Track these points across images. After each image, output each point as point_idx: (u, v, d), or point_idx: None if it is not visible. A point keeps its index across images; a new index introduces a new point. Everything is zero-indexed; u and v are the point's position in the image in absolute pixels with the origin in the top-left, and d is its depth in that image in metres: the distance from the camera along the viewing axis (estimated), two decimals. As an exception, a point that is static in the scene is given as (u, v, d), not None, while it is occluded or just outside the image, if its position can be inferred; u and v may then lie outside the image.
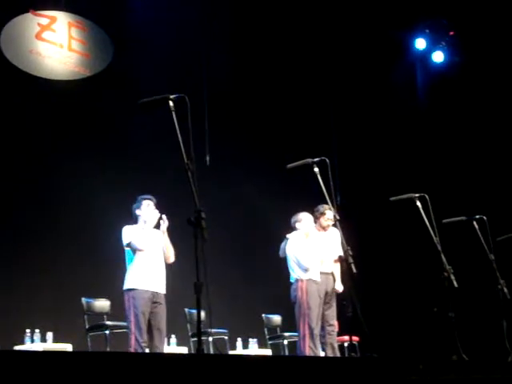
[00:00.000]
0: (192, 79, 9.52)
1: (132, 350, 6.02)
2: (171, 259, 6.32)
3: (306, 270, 6.85)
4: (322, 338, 6.97)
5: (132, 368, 3.00)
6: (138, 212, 6.31)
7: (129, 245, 6.18)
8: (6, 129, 8.46)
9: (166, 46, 9.71)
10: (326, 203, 5.33)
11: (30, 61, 9.02)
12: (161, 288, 6.24)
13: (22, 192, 8.41)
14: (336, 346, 7.08)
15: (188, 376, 3.15)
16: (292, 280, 6.95)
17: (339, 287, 7.12)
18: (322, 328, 6.96)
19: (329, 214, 7.02)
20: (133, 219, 6.34)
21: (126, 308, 6.14)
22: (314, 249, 6.93)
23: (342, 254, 6.50)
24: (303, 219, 7.00)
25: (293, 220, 7.06)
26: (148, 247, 6.20)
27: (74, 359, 2.94)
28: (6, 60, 8.78)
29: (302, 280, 6.85)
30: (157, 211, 6.26)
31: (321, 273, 6.99)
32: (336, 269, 7.16)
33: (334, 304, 7.09)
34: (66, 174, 8.63)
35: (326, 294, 7.02)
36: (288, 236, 7.07)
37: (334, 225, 5.31)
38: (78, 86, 9.25)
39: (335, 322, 7.10)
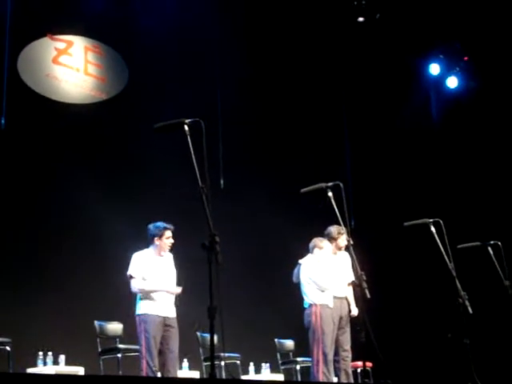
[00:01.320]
0: (206, 102, 9.57)
1: (144, 374, 6.00)
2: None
3: (323, 291, 6.80)
4: (336, 363, 6.91)
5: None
6: (156, 240, 6.24)
7: (130, 276, 6.20)
8: (22, 151, 8.52)
9: (181, 68, 9.78)
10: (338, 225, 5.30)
11: (46, 84, 9.12)
12: (171, 312, 6.25)
13: (35, 216, 8.43)
14: (350, 371, 7.01)
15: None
16: (306, 305, 6.91)
17: (354, 311, 7.07)
18: (336, 353, 6.90)
19: (345, 236, 7.00)
20: (147, 241, 6.32)
21: (137, 332, 6.14)
22: (330, 271, 6.90)
23: (353, 278, 6.48)
24: (325, 247, 6.96)
25: (312, 245, 7.01)
26: (154, 277, 6.20)
27: (87, 383, 2.93)
28: (23, 83, 8.88)
29: (315, 305, 6.81)
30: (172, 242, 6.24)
31: (334, 297, 6.95)
32: (349, 293, 7.12)
33: (348, 329, 7.03)
34: (80, 197, 8.66)
35: (341, 318, 6.97)
36: (300, 261, 7.04)
37: (347, 249, 5.28)
38: (94, 109, 9.34)
39: (349, 348, 7.04)
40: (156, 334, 6.03)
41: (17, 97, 8.65)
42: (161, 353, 6.06)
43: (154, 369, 5.96)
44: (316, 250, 6.97)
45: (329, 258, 7.01)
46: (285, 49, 10.43)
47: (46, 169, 8.64)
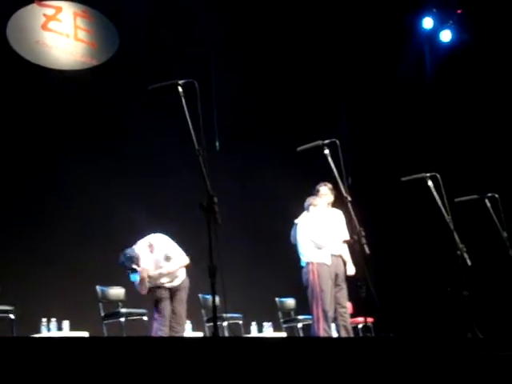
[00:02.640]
0: (199, 64, 9.50)
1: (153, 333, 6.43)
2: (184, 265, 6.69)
3: (320, 248, 6.83)
4: (334, 320, 6.99)
5: (149, 352, 3.02)
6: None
7: None
8: (13, 119, 8.47)
9: (172, 32, 9.68)
10: (335, 184, 5.32)
11: (36, 51, 9.02)
12: (176, 282, 6.64)
13: (33, 183, 8.43)
14: (349, 327, 7.09)
15: (204, 359, 3.17)
16: (303, 264, 6.95)
17: (351, 271, 7.11)
18: (335, 310, 6.97)
19: (323, 190, 7.07)
20: None
21: None
22: (326, 228, 6.94)
23: (348, 236, 6.53)
24: (319, 204, 7.00)
25: (307, 203, 7.04)
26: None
27: (92, 345, 2.96)
28: (13, 51, 8.78)
29: (312, 263, 6.84)
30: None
31: (331, 255, 7.00)
32: (345, 251, 7.15)
33: (345, 286, 7.09)
34: (76, 162, 8.65)
35: (337, 276, 7.03)
36: (296, 221, 7.07)
37: (346, 205, 5.29)
38: (85, 75, 9.25)
39: (347, 304, 7.11)
40: (165, 298, 6.61)
41: (7, 64, 8.57)
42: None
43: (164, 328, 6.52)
44: (311, 207, 7.00)
45: (324, 215, 7.04)
46: (278, 10, 10.30)
47: (38, 135, 8.58)
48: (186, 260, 6.62)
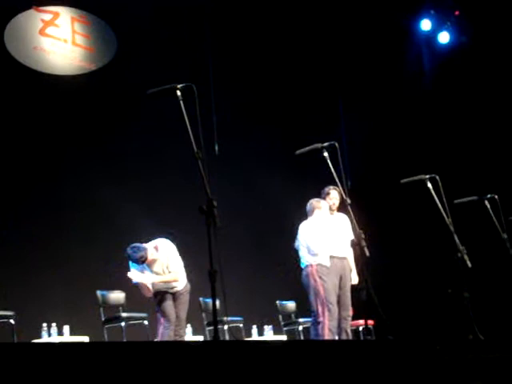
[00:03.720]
0: (198, 68, 9.50)
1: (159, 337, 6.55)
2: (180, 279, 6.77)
3: (314, 255, 6.81)
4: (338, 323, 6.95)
5: (150, 357, 3.02)
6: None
7: None
8: (11, 125, 8.47)
9: (170, 36, 9.67)
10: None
11: (34, 57, 9.02)
12: (179, 286, 6.70)
13: (32, 189, 8.42)
14: (349, 331, 7.06)
15: (205, 363, 3.16)
16: (303, 265, 6.93)
17: (354, 280, 7.07)
18: (337, 313, 6.94)
19: (333, 193, 7.05)
20: None
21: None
22: (325, 234, 6.91)
23: (353, 238, 6.49)
24: (323, 207, 6.98)
25: (310, 207, 7.01)
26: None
27: (93, 350, 2.96)
28: (11, 56, 8.79)
29: (311, 265, 6.80)
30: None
31: (334, 257, 6.97)
32: (350, 255, 7.10)
33: (349, 290, 7.05)
34: (76, 167, 8.65)
35: (341, 278, 7.00)
36: (301, 225, 7.05)
37: (345, 208, 5.29)
38: (83, 80, 9.26)
39: (350, 308, 7.08)
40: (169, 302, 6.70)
41: (5, 70, 8.57)
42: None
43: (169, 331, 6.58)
44: (316, 211, 6.97)
45: (327, 219, 7.02)
46: (277, 13, 10.31)
47: (37, 141, 8.58)
48: (177, 277, 6.67)
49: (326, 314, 6.67)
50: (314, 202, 7.02)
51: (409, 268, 10.13)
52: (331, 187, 7.02)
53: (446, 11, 11.02)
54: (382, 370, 3.71)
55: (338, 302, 6.90)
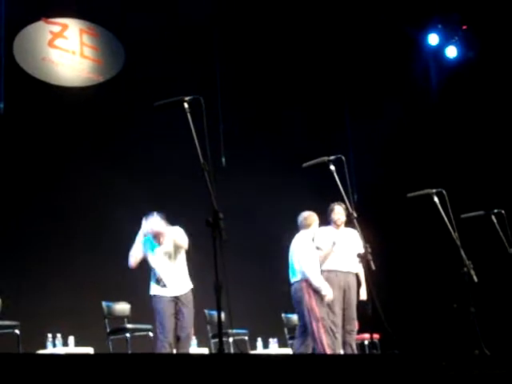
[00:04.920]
0: (205, 80, 9.53)
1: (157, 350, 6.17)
2: (185, 245, 6.43)
3: (310, 269, 6.72)
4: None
5: (154, 369, 3.01)
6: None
7: None
8: (19, 136, 8.51)
9: (178, 47, 9.72)
10: (342, 201, 5.32)
11: (42, 68, 9.07)
12: (181, 290, 6.36)
13: (40, 197, 8.45)
14: (354, 345, 7.01)
15: (210, 376, 3.15)
16: (294, 279, 6.82)
17: (363, 295, 7.02)
18: (342, 327, 6.90)
19: (338, 209, 7.03)
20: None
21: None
22: (314, 253, 6.83)
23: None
24: (313, 224, 6.95)
25: (302, 222, 6.99)
26: (151, 255, 6.43)
27: (97, 361, 2.95)
28: (19, 68, 8.84)
29: (306, 279, 6.69)
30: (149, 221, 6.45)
31: (338, 271, 6.95)
32: (360, 271, 7.03)
33: (354, 304, 7.01)
34: (83, 178, 8.68)
35: (344, 292, 6.96)
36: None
37: (352, 222, 5.28)
38: (92, 92, 9.30)
39: (355, 322, 7.03)
40: (168, 312, 6.29)
41: (14, 82, 8.61)
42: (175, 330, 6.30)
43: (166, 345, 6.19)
44: (315, 223, 6.92)
45: (311, 238, 6.92)
46: (284, 18, 10.34)
47: (45, 152, 8.63)
48: (184, 236, 6.47)
49: (322, 329, 6.56)
50: (311, 215, 6.97)
51: (415, 282, 10.10)
52: (335, 203, 7.00)
53: (454, 26, 11.06)
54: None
55: (343, 316, 6.87)
